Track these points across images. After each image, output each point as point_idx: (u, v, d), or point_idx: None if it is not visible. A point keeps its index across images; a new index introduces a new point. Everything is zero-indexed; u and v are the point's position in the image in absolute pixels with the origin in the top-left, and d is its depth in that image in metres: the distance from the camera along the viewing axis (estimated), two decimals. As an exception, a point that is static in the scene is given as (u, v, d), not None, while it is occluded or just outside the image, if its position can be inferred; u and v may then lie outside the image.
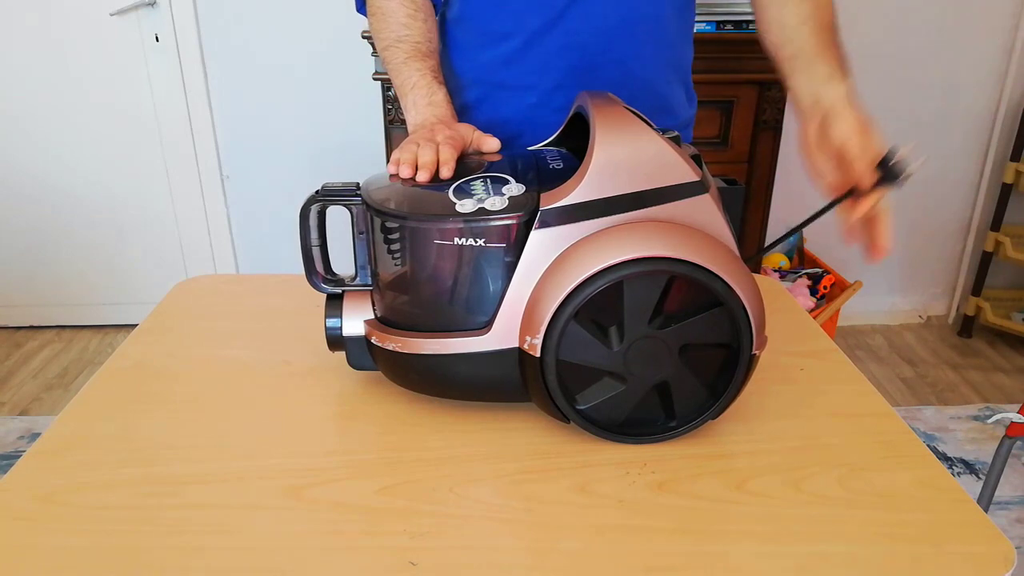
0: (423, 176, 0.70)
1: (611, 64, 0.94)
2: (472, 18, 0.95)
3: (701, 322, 0.63)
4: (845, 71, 0.81)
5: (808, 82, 0.81)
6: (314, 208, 0.71)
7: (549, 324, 0.62)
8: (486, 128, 0.87)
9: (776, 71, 0.87)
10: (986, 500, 1.34)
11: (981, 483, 1.47)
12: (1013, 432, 1.27)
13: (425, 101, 0.88)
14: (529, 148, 0.80)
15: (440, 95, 0.89)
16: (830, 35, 0.85)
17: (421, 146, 0.73)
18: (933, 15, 2.24)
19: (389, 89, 1.86)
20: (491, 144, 0.80)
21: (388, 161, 0.74)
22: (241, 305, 0.95)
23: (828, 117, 0.76)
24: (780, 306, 0.94)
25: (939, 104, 2.35)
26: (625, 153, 0.63)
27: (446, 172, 0.70)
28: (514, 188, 0.65)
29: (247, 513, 0.59)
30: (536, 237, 0.63)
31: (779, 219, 2.43)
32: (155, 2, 2.16)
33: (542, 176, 0.67)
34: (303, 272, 0.74)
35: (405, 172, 0.71)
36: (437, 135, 0.77)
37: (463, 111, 1.03)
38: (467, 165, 0.72)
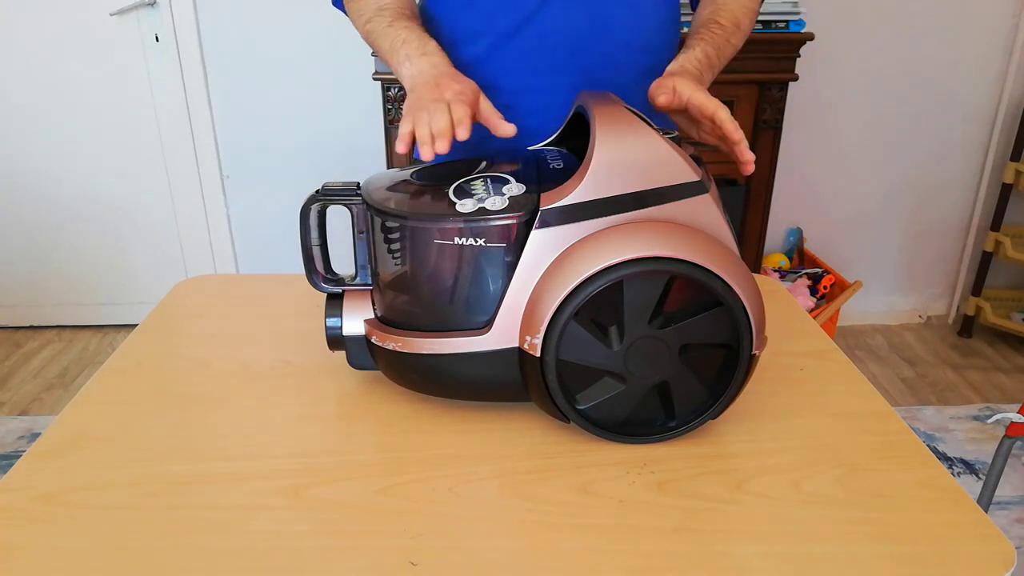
0: (441, 146, 0.65)
1: (575, 71, 0.93)
2: (441, 17, 0.94)
3: (701, 322, 0.63)
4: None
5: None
6: (314, 208, 0.71)
7: (549, 324, 0.62)
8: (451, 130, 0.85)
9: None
10: (986, 500, 1.34)
11: (981, 483, 1.47)
12: (1013, 432, 1.27)
13: (419, 52, 0.84)
14: (529, 148, 0.80)
15: (432, 45, 0.86)
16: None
17: (431, 112, 0.69)
18: (933, 15, 2.24)
19: (389, 89, 1.86)
20: (505, 130, 0.75)
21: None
22: (241, 305, 0.95)
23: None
24: (780, 306, 0.94)
25: (939, 104, 2.35)
26: (625, 153, 0.63)
27: (463, 133, 0.67)
28: (514, 188, 0.65)
29: (247, 513, 0.59)
30: (536, 237, 0.63)
31: (779, 219, 2.43)
32: (155, 2, 2.16)
33: (542, 176, 0.67)
34: (303, 272, 0.74)
35: (427, 154, 0.66)
36: (445, 92, 0.73)
37: None
38: (468, 165, 0.72)
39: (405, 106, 0.76)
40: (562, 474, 0.64)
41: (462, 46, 0.95)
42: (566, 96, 0.91)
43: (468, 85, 0.77)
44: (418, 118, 0.70)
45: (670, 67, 0.83)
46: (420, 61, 0.83)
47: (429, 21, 0.95)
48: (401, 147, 0.70)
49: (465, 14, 0.93)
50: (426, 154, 0.68)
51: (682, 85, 0.76)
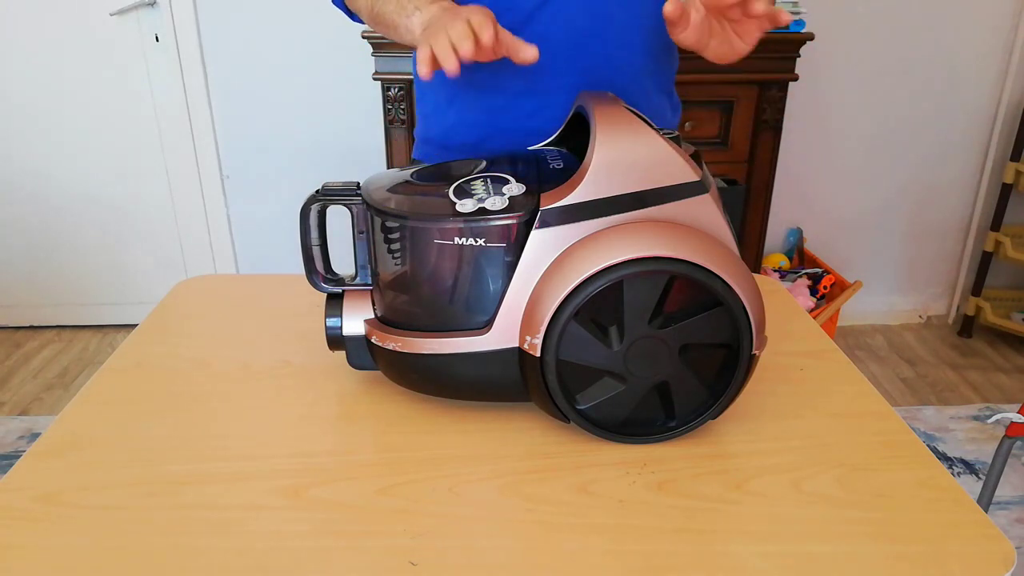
0: (466, 48, 0.62)
1: (575, 71, 0.93)
2: None
3: (701, 322, 0.63)
4: None
5: None
6: (314, 208, 0.71)
7: (549, 324, 0.62)
8: (453, 130, 0.82)
9: None
10: (986, 500, 1.34)
11: (981, 483, 1.47)
12: (1013, 432, 1.27)
13: (428, 0, 0.82)
14: (529, 148, 0.80)
15: None
16: None
17: (448, 27, 0.66)
18: (933, 15, 2.24)
19: (389, 89, 1.86)
20: (529, 52, 0.71)
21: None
22: (241, 305, 0.95)
23: None
24: (780, 306, 0.94)
25: (939, 104, 2.35)
26: (625, 153, 0.63)
27: (487, 36, 0.64)
28: (514, 188, 0.65)
29: (247, 513, 0.59)
30: (536, 237, 0.63)
31: (779, 219, 2.43)
32: (155, 2, 2.16)
33: (542, 176, 0.67)
34: (303, 272, 0.74)
35: (451, 64, 0.63)
36: (460, 13, 0.70)
37: (430, 117, 1.00)
38: (468, 165, 0.72)
39: (420, 39, 0.73)
40: (562, 474, 0.64)
41: None
42: (566, 96, 0.91)
43: (483, 8, 0.74)
44: (435, 38, 0.66)
45: None
46: (430, 8, 0.82)
47: None
48: (424, 69, 0.65)
49: None
50: (450, 65, 0.64)
51: None
